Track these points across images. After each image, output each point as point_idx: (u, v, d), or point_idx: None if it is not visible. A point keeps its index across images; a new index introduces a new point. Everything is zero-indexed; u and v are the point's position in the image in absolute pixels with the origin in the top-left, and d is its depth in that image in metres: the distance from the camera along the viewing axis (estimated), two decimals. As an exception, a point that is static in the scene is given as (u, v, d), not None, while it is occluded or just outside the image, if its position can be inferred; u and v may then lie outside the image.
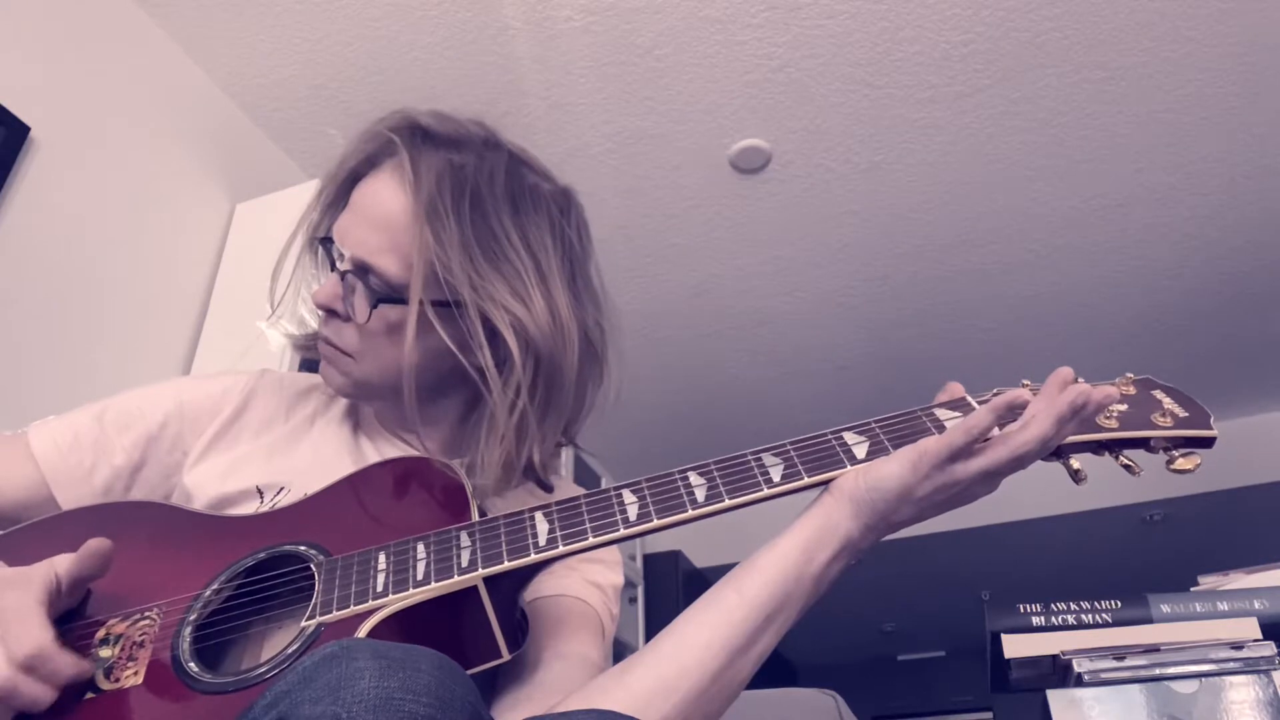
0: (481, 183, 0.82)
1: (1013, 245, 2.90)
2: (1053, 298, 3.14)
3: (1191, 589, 1.14)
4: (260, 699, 0.49)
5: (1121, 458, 0.73)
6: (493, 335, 0.79)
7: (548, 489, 0.90)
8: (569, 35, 2.20)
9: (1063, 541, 4.27)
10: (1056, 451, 0.72)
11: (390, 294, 0.79)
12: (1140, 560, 4.35)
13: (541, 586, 0.81)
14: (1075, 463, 0.72)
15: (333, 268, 0.83)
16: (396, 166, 0.82)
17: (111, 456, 0.84)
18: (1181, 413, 0.73)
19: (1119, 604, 1.06)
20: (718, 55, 2.26)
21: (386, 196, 0.81)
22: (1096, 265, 2.99)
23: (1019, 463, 0.68)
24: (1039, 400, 0.68)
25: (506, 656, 0.67)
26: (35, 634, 0.61)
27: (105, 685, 0.64)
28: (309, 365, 2.16)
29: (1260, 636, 0.97)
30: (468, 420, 0.86)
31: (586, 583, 0.84)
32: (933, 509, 0.69)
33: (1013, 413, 0.68)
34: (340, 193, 0.87)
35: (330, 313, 0.83)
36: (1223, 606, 1.03)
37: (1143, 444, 0.73)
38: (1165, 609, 1.04)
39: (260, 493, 0.83)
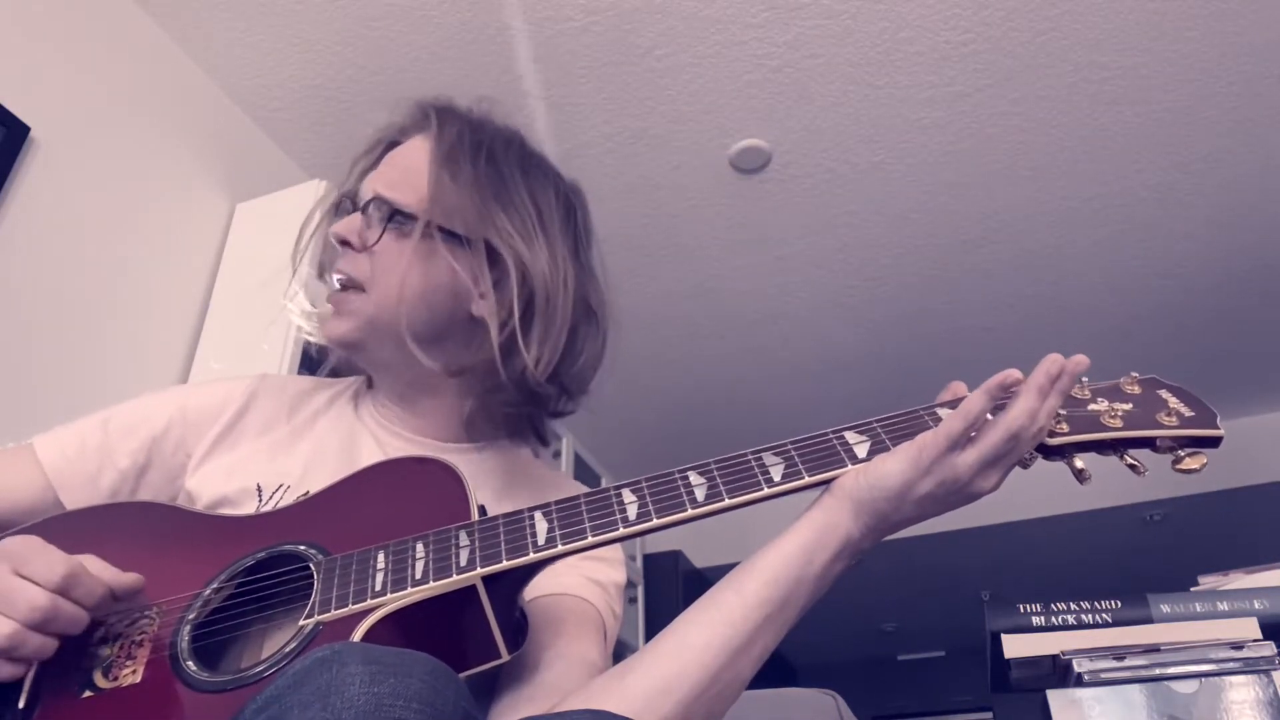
0: (497, 145, 0.91)
1: (1012, 245, 2.90)
2: (1052, 298, 3.14)
3: (1191, 589, 1.14)
4: (251, 702, 0.49)
5: (1127, 457, 0.72)
6: (494, 266, 0.86)
7: (543, 440, 0.93)
8: (569, 35, 2.20)
9: (1063, 541, 4.27)
10: (1060, 450, 0.71)
11: (408, 218, 0.86)
12: (1140, 560, 4.35)
13: (542, 585, 0.81)
14: (1079, 462, 0.71)
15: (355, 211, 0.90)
16: (425, 129, 0.92)
17: (117, 460, 0.85)
18: (1188, 412, 0.72)
19: (1119, 604, 1.06)
20: (718, 55, 2.26)
21: (411, 147, 0.91)
22: (1096, 265, 2.99)
23: (1014, 442, 0.67)
24: (1025, 381, 0.69)
25: (506, 657, 0.67)
26: (61, 558, 0.63)
27: (104, 684, 0.64)
28: (309, 367, 2.17)
29: (1260, 636, 0.97)
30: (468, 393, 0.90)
31: (588, 580, 0.84)
32: (934, 506, 0.69)
33: (1006, 393, 0.69)
34: (373, 161, 0.95)
35: (346, 245, 0.88)
36: (1223, 606, 1.03)
37: (1148, 444, 0.72)
38: (1165, 609, 1.04)
39: (260, 491, 0.84)
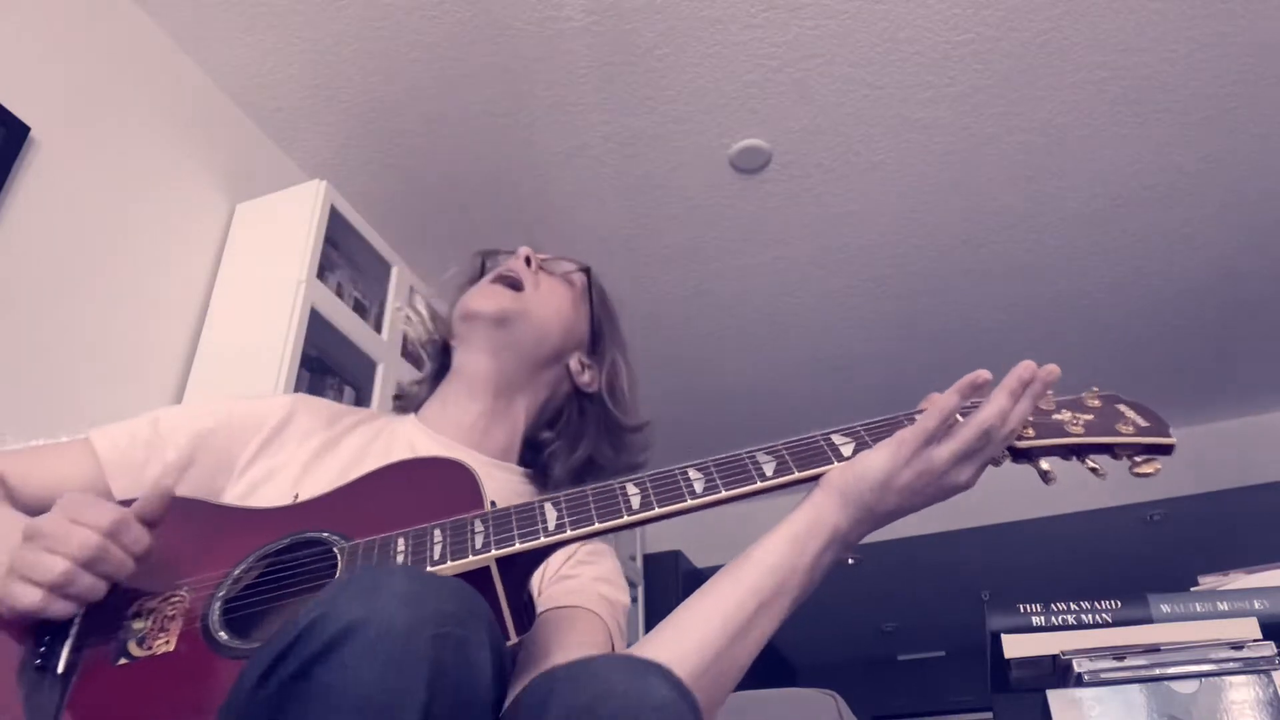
0: (620, 330, 1.17)
1: (1012, 245, 2.90)
2: (1052, 298, 3.14)
3: (1191, 589, 1.14)
4: (304, 605, 0.53)
5: (1088, 461, 0.80)
6: (592, 355, 1.10)
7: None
8: (569, 35, 2.20)
9: (1063, 541, 4.27)
10: (1027, 454, 0.78)
11: (572, 283, 1.10)
12: (1140, 560, 4.35)
13: (555, 597, 0.86)
14: (1044, 464, 0.78)
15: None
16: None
17: (164, 453, 0.91)
18: (1143, 422, 0.80)
19: (1119, 604, 1.06)
20: (718, 55, 2.26)
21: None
22: (1096, 265, 2.99)
23: (986, 439, 0.74)
24: (999, 384, 0.76)
25: (514, 639, 0.70)
26: (111, 508, 0.70)
27: (138, 652, 0.68)
28: (309, 368, 2.17)
29: (1260, 636, 0.97)
30: (524, 429, 1.06)
31: (600, 597, 0.89)
32: (914, 497, 0.75)
33: (977, 391, 0.76)
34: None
35: (526, 262, 1.07)
36: (1223, 606, 1.03)
37: (1108, 450, 0.79)
38: (1165, 609, 1.04)
39: (296, 498, 0.89)
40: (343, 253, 2.42)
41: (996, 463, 0.77)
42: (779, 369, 3.51)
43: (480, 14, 2.15)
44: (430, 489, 0.80)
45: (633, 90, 2.35)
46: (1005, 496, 3.83)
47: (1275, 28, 2.19)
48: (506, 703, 0.61)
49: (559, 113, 2.40)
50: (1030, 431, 0.79)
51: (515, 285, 1.04)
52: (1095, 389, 0.85)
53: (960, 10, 2.15)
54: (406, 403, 1.11)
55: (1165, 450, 0.80)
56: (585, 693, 0.55)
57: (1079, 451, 0.79)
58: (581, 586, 0.88)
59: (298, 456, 0.93)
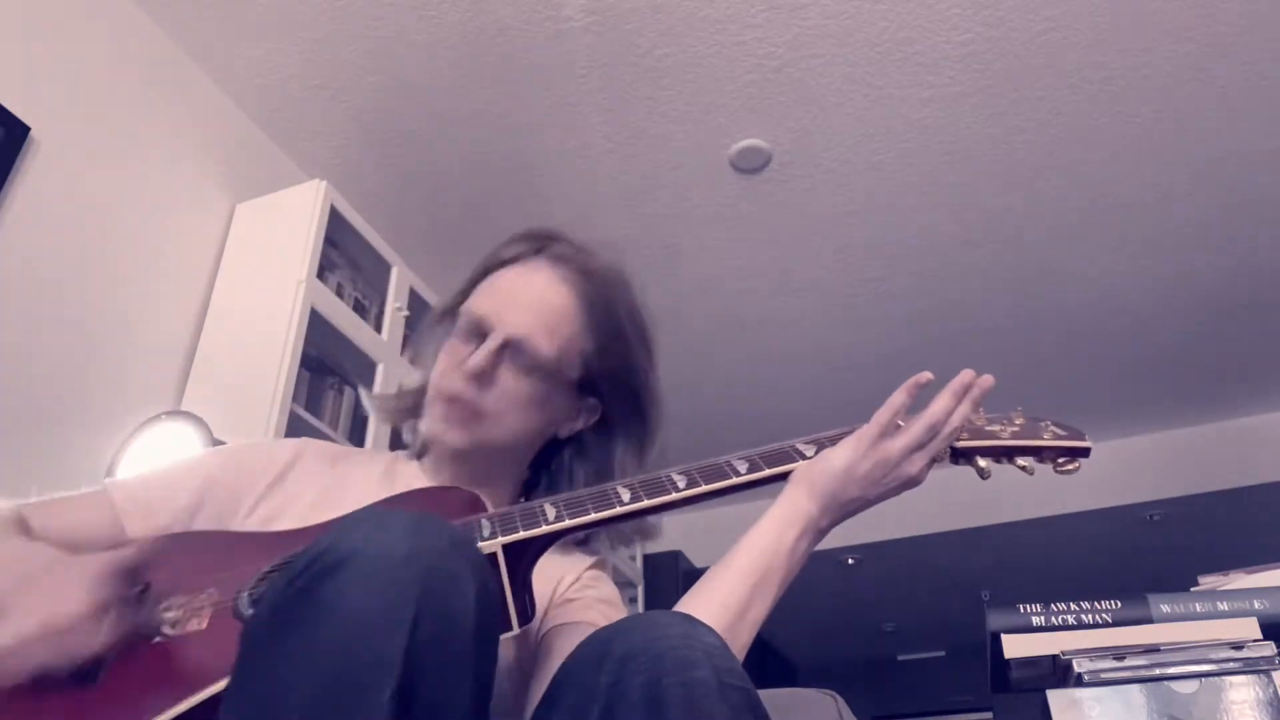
0: (622, 312, 1.03)
1: (1012, 245, 2.90)
2: (1052, 298, 3.14)
3: (1191, 589, 1.14)
4: (321, 535, 0.60)
5: (1018, 460, 0.91)
6: (589, 394, 1.01)
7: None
8: (569, 35, 2.20)
9: (1063, 541, 4.27)
10: (965, 454, 0.90)
11: (541, 368, 0.94)
12: (1140, 560, 4.35)
13: (561, 616, 0.91)
14: (981, 462, 0.90)
15: (472, 339, 0.95)
16: (552, 266, 0.99)
17: (176, 499, 0.95)
18: (1062, 432, 0.93)
19: (1119, 604, 1.05)
20: (718, 55, 2.26)
21: (542, 288, 0.97)
22: (1096, 265, 2.99)
23: (933, 433, 0.86)
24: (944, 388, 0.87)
25: (515, 630, 0.75)
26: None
27: (172, 633, 0.74)
28: (309, 368, 2.16)
29: (1260, 636, 0.97)
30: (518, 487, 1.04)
31: (602, 615, 0.93)
32: (873, 487, 0.85)
33: (921, 390, 0.89)
34: (478, 280, 1.02)
35: (479, 378, 0.93)
36: (1223, 606, 1.03)
37: (1034, 453, 0.91)
38: (1165, 609, 1.04)
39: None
40: (343, 253, 2.42)
41: (939, 460, 0.88)
42: (778, 369, 3.51)
43: (480, 14, 2.15)
44: (444, 508, 0.85)
45: (633, 90, 2.35)
46: (1005, 496, 3.83)
47: (1275, 27, 2.19)
48: (548, 667, 0.66)
49: (559, 113, 2.40)
50: (966, 435, 0.91)
51: (474, 409, 0.94)
52: (1019, 409, 0.96)
53: (959, 10, 2.15)
54: (408, 451, 1.11)
55: (1083, 453, 0.92)
56: (643, 636, 0.62)
57: (1009, 453, 0.91)
58: (586, 605, 0.94)
59: (305, 494, 0.97)
